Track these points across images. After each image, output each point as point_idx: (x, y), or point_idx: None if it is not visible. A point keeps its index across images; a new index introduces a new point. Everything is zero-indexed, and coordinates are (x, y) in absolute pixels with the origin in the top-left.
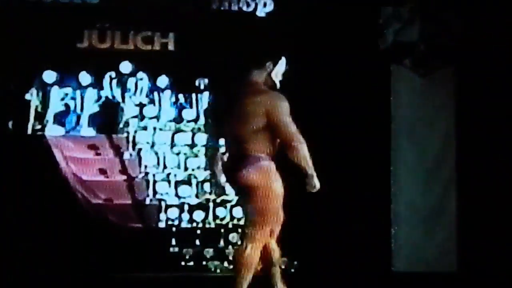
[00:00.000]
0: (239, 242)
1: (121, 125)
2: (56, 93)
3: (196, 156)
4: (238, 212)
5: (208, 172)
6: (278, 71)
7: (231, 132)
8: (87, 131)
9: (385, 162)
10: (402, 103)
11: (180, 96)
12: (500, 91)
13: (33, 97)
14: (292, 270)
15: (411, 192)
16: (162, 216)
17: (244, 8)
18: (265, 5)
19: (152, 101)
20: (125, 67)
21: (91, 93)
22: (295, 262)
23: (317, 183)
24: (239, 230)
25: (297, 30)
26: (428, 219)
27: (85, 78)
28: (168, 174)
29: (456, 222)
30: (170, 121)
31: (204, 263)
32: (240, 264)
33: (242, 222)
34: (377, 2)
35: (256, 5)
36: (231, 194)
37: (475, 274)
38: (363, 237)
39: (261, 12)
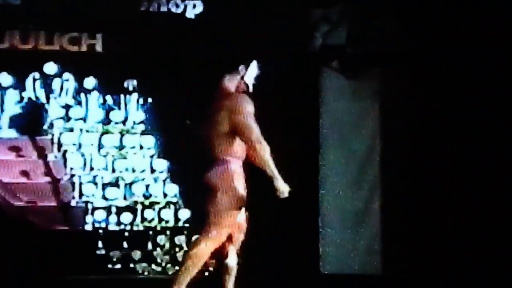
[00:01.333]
0: (167, 245)
1: (45, 127)
2: None
3: (124, 158)
4: (166, 214)
5: (135, 174)
6: (251, 74)
7: (203, 135)
8: (8, 133)
9: (313, 164)
10: (330, 105)
11: (108, 97)
12: (424, 93)
13: None
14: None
15: (338, 194)
16: (89, 218)
17: (173, 10)
18: (194, 6)
19: (78, 103)
20: (50, 68)
21: (13, 94)
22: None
23: (283, 187)
24: (167, 232)
25: (226, 32)
26: (354, 221)
27: (5, 79)
28: (95, 176)
29: (381, 224)
30: (98, 122)
31: (131, 265)
32: (188, 256)
33: (170, 224)
34: (307, 4)
35: (186, 6)
36: (158, 196)
37: (400, 276)
38: (291, 240)
39: (190, 14)
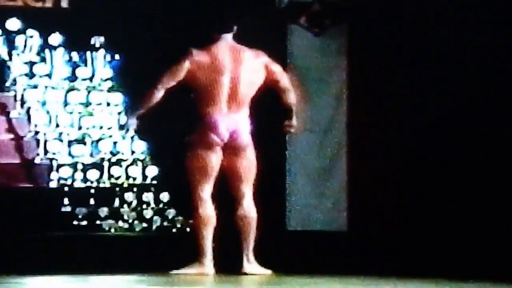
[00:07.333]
0: (134, 202)
1: (7, 84)
2: None
3: (91, 115)
4: (134, 171)
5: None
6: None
7: (233, 95)
8: None
9: (280, 122)
10: (298, 63)
11: (74, 54)
12: (392, 49)
13: None
14: (188, 229)
15: (305, 152)
16: (54, 175)
17: None
18: None
19: (43, 59)
20: (13, 24)
21: None
22: (191, 221)
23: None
24: (135, 189)
25: None
26: (320, 178)
27: None
28: (61, 133)
29: (346, 182)
30: (63, 79)
31: (98, 222)
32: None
33: (137, 182)
34: None
35: None
36: (126, 153)
37: (365, 233)
38: (257, 196)
39: None
